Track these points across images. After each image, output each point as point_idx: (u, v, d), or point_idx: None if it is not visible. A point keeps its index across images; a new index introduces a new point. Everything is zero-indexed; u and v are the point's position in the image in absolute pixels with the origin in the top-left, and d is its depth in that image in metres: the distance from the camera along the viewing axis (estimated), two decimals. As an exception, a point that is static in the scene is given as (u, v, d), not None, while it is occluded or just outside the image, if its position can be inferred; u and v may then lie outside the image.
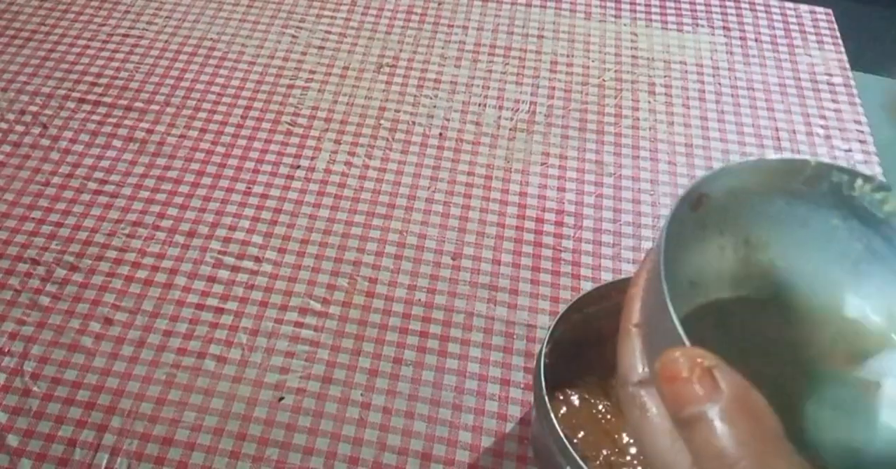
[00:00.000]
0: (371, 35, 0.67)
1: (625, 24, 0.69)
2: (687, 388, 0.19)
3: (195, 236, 0.54)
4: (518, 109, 0.62)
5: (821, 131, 0.61)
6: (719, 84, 0.64)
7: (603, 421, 0.40)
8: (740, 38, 0.68)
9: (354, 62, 0.65)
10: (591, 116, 0.62)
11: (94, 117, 0.60)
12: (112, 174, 0.57)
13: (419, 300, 0.51)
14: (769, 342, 0.28)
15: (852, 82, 0.65)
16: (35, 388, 0.46)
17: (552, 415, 0.36)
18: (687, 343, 0.21)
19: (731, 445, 0.18)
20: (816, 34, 0.68)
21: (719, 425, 0.19)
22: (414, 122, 0.61)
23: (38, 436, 0.45)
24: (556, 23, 0.69)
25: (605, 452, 0.39)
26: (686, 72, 0.65)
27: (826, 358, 0.28)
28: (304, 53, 0.66)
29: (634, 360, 0.24)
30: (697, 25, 0.69)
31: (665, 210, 0.56)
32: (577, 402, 0.41)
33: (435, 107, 0.62)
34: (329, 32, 0.68)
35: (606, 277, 0.52)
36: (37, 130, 0.59)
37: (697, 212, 0.27)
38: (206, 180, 0.57)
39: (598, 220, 0.55)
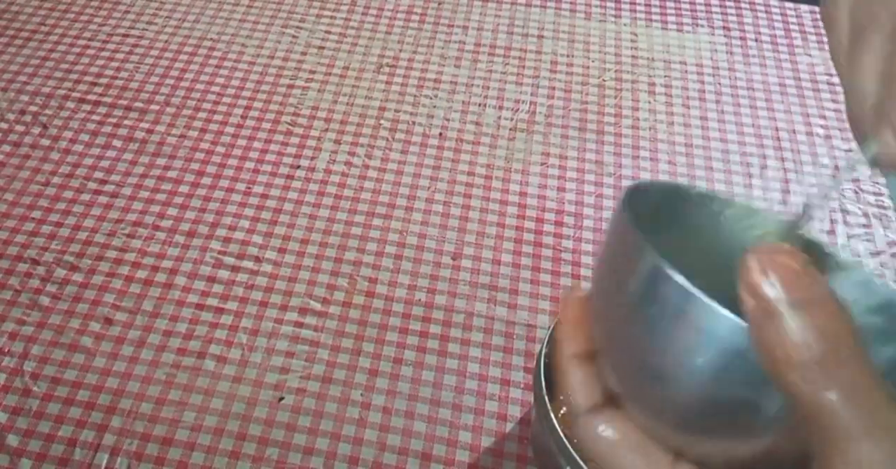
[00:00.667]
0: (371, 35, 0.67)
1: (625, 24, 0.69)
2: (782, 275, 0.19)
3: (195, 236, 0.54)
4: (518, 109, 0.62)
5: (821, 131, 0.61)
6: (719, 84, 0.64)
7: (603, 421, 0.40)
8: (740, 38, 0.68)
9: (354, 62, 0.65)
10: (591, 116, 0.62)
11: (94, 117, 0.60)
12: (112, 174, 0.57)
13: (419, 300, 0.51)
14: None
15: (852, 82, 0.65)
16: (35, 388, 0.46)
17: (552, 415, 0.36)
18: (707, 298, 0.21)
19: (817, 340, 0.18)
20: (816, 34, 0.68)
21: (810, 317, 0.19)
22: (414, 122, 0.61)
23: (38, 436, 0.45)
24: (556, 23, 0.69)
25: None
26: (686, 72, 0.65)
27: None
28: (304, 53, 0.66)
29: (581, 390, 0.25)
30: (697, 25, 0.69)
31: (665, 210, 0.56)
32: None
33: (435, 107, 0.62)
34: (329, 32, 0.68)
35: (606, 277, 0.52)
36: (37, 130, 0.59)
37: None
38: (206, 180, 0.57)
39: (598, 220, 0.55)
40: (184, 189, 0.56)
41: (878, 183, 0.58)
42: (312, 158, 0.58)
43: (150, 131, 0.60)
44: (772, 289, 0.19)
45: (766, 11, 0.70)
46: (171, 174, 0.57)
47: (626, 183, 0.58)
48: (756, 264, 0.20)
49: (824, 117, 0.62)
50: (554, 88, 0.64)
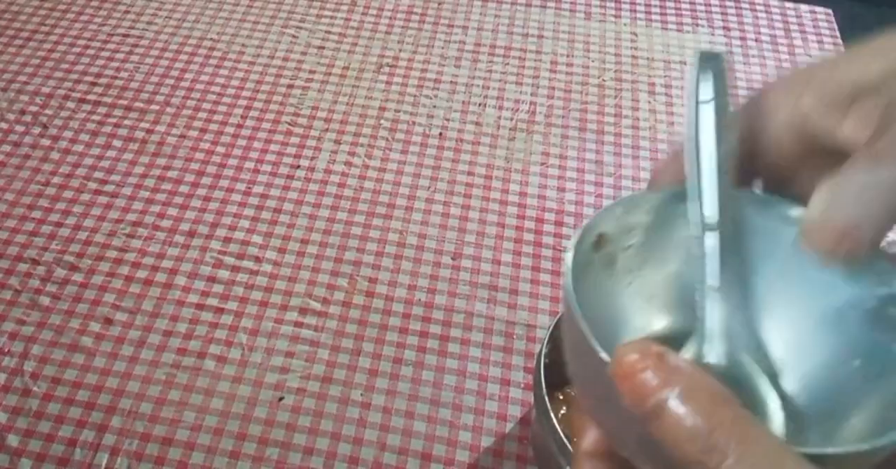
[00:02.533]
0: (371, 35, 0.67)
1: (625, 24, 0.69)
2: (646, 378, 0.20)
3: (195, 236, 0.54)
4: (518, 109, 0.62)
5: (821, 131, 0.61)
6: (719, 84, 0.64)
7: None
8: (740, 39, 0.68)
9: (354, 62, 0.65)
10: (590, 116, 0.62)
11: (94, 117, 0.60)
12: (112, 174, 0.57)
13: (419, 300, 0.51)
14: None
15: (852, 82, 0.65)
16: (35, 388, 0.46)
17: (552, 415, 0.36)
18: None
19: (701, 421, 0.18)
20: (816, 34, 0.68)
21: (685, 405, 0.19)
22: (414, 122, 0.61)
23: (38, 436, 0.45)
24: (556, 23, 0.69)
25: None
26: (686, 72, 0.65)
27: None
28: (304, 53, 0.66)
29: None
30: (697, 25, 0.69)
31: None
32: (577, 402, 0.41)
33: (435, 107, 0.62)
34: (329, 32, 0.68)
35: (606, 277, 0.52)
36: (37, 130, 0.59)
37: (600, 252, 0.26)
38: (206, 180, 0.57)
39: (598, 220, 0.55)
40: (184, 189, 0.56)
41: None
42: (312, 158, 0.58)
43: (150, 131, 0.60)
44: (654, 383, 0.19)
45: (766, 11, 0.70)
46: (171, 174, 0.57)
47: (625, 182, 0.58)
48: (628, 364, 0.20)
49: (824, 117, 0.62)
50: (554, 88, 0.64)
